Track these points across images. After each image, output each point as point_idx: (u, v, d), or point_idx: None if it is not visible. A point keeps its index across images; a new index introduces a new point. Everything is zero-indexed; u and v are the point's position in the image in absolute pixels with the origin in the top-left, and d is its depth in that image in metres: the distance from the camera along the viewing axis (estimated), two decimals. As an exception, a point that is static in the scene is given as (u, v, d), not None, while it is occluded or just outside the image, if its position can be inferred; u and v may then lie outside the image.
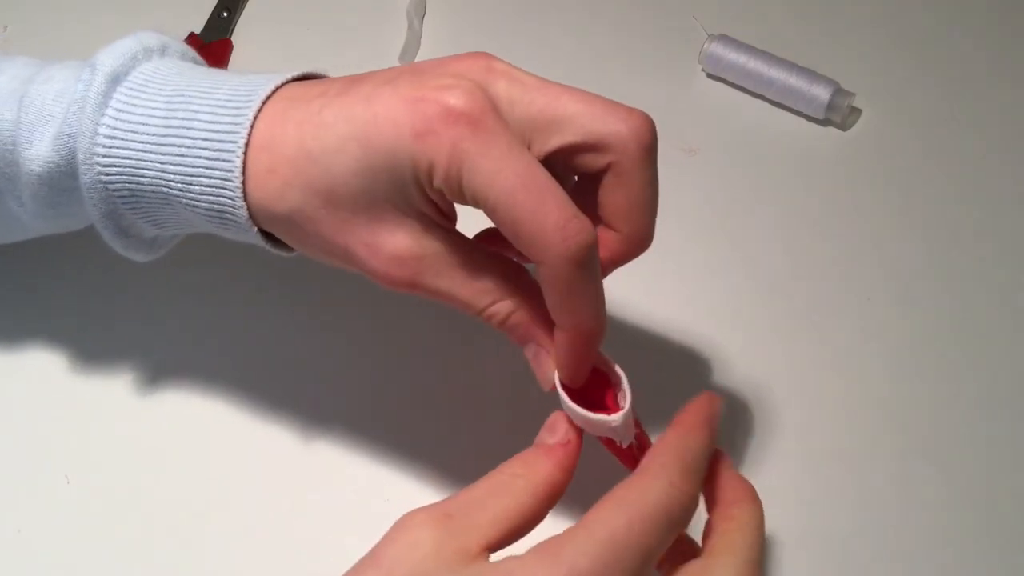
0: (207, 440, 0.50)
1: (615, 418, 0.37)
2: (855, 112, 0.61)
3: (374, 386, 0.51)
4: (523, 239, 0.35)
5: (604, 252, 0.39)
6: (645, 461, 0.36)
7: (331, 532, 0.48)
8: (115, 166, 0.41)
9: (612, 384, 0.40)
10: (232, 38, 0.65)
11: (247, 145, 0.39)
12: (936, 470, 0.50)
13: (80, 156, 0.41)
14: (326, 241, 0.39)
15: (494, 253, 0.40)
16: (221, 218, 0.40)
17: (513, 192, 0.35)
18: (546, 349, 0.39)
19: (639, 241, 0.40)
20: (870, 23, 0.66)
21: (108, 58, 0.42)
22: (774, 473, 0.49)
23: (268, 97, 0.40)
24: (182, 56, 0.44)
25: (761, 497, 0.48)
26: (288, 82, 0.40)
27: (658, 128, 0.60)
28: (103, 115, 0.41)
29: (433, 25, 0.66)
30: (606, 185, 0.39)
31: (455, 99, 0.36)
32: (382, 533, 0.47)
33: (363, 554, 0.34)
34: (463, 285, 0.38)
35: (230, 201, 0.39)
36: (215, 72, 0.42)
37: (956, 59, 0.64)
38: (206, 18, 0.66)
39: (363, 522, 0.48)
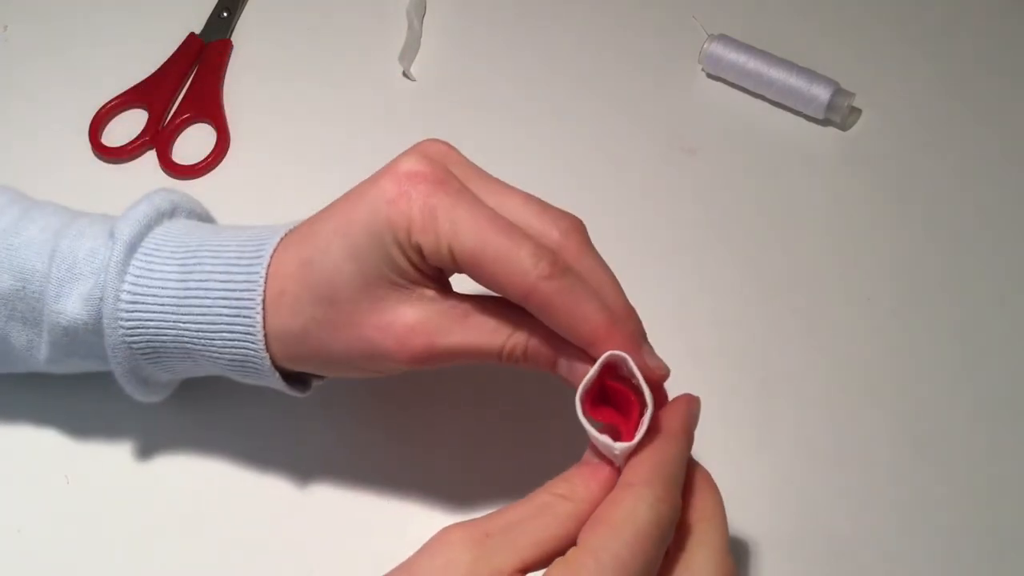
0: (208, 440, 0.50)
1: (618, 446, 0.37)
2: (855, 112, 0.61)
3: (377, 387, 0.51)
4: (501, 274, 0.38)
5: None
6: (629, 475, 0.36)
7: (333, 532, 0.48)
8: (138, 328, 0.44)
9: (640, 411, 0.38)
10: (232, 38, 0.65)
11: (264, 300, 0.42)
12: (936, 470, 0.50)
13: (105, 320, 0.43)
14: (344, 340, 0.41)
15: (488, 297, 0.40)
16: (243, 366, 0.43)
17: (486, 233, 0.38)
18: (576, 357, 0.39)
19: (621, 315, 0.40)
20: (870, 23, 0.66)
21: (125, 227, 0.44)
22: (773, 473, 0.49)
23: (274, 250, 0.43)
24: (189, 214, 0.47)
25: (760, 497, 0.49)
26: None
27: (658, 128, 0.61)
28: (123, 282, 0.43)
29: (433, 25, 0.66)
30: None
31: (414, 165, 0.39)
32: (385, 533, 0.47)
33: (375, 556, 0.34)
34: (476, 332, 0.40)
35: (253, 353, 0.43)
36: (221, 229, 0.46)
37: (956, 59, 0.64)
38: (206, 18, 0.66)
39: (363, 522, 0.48)
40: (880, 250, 0.57)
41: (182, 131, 0.62)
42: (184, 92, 0.63)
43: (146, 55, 0.64)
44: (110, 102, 0.62)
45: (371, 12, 0.66)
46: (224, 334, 0.43)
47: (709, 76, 0.63)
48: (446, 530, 0.34)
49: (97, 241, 0.44)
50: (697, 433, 0.51)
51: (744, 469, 0.49)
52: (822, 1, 0.67)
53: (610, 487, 0.36)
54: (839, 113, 0.60)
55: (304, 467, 0.49)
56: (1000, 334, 0.54)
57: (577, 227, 0.40)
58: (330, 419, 0.50)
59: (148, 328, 0.43)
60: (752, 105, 0.62)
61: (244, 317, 0.42)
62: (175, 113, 0.62)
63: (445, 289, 0.41)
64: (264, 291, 0.42)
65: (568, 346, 0.39)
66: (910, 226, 0.57)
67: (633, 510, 0.34)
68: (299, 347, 0.42)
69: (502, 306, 0.40)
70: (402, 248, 0.39)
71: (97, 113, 0.61)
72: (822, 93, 0.60)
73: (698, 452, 0.50)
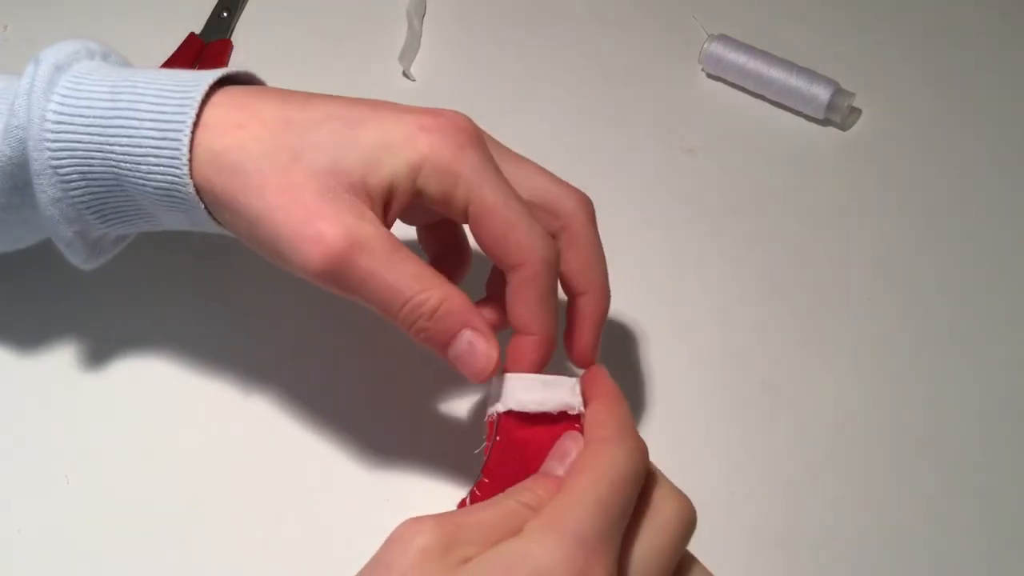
0: (207, 440, 0.50)
1: (577, 403, 0.40)
2: (855, 112, 0.61)
3: (387, 387, 0.51)
4: (512, 240, 0.39)
5: (577, 316, 0.43)
6: (597, 430, 0.38)
7: (332, 530, 0.47)
8: (65, 150, 0.42)
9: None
10: (232, 38, 0.65)
11: (195, 125, 0.40)
12: (935, 470, 0.50)
13: (30, 143, 0.42)
14: (266, 202, 0.39)
15: (416, 255, 0.40)
16: (169, 196, 0.41)
17: (508, 197, 0.40)
18: (482, 333, 0.40)
19: (599, 293, 0.43)
20: (870, 23, 0.66)
21: (51, 52, 0.43)
22: (773, 473, 0.49)
23: (218, 80, 0.42)
24: (123, 65, 0.46)
25: (760, 497, 0.49)
26: (232, 76, 0.43)
27: (658, 128, 0.61)
28: (50, 101, 0.42)
29: (433, 25, 0.66)
30: (562, 251, 0.43)
31: (458, 117, 0.41)
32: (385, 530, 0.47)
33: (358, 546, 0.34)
34: (395, 270, 0.39)
35: (178, 179, 0.41)
36: (162, 69, 0.44)
37: (956, 59, 0.64)
38: (206, 18, 0.66)
39: (363, 519, 0.48)
40: (880, 250, 0.57)
41: (182, 131, 0.61)
42: (184, 92, 0.63)
43: (146, 55, 0.63)
44: (110, 102, 0.62)
45: (371, 12, 0.66)
46: (150, 158, 0.41)
47: (709, 76, 0.63)
48: (414, 522, 0.34)
49: (11, 80, 0.44)
50: (698, 433, 0.51)
51: (744, 469, 0.49)
52: (822, 1, 0.67)
53: None
54: (839, 113, 0.60)
55: (306, 466, 0.49)
56: (1000, 334, 0.54)
57: (589, 203, 0.44)
58: (334, 418, 0.50)
59: (76, 151, 0.42)
60: (752, 105, 0.62)
61: (171, 141, 0.40)
62: (175, 113, 0.62)
63: (386, 226, 0.40)
64: (197, 116, 0.40)
65: (477, 318, 0.40)
66: (910, 226, 0.57)
67: (614, 455, 0.36)
68: (216, 181, 0.40)
69: (427, 267, 0.40)
70: (392, 174, 0.39)
71: (97, 113, 0.61)
72: (822, 93, 0.60)
73: (698, 452, 0.50)
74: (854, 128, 0.61)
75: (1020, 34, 0.65)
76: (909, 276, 0.56)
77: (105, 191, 0.43)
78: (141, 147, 0.41)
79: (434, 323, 0.39)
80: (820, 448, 0.50)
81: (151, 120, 0.41)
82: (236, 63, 0.64)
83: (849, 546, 0.47)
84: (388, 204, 0.40)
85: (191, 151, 0.40)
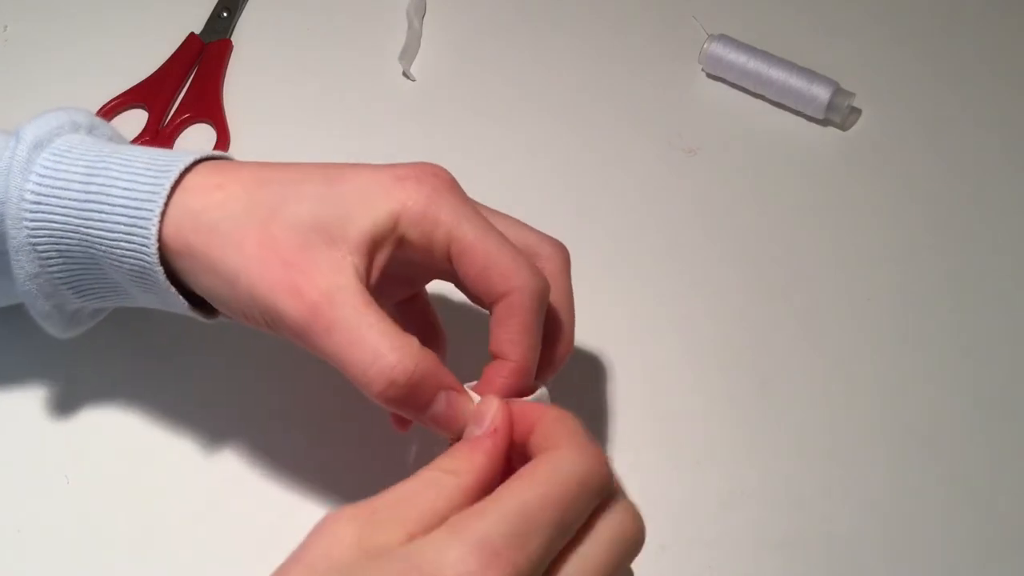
0: (207, 440, 0.50)
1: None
2: (855, 112, 0.61)
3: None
4: (496, 271, 0.39)
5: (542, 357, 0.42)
6: (544, 442, 0.35)
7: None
8: (42, 229, 0.43)
9: None
10: (232, 38, 0.66)
11: (163, 214, 0.41)
12: (936, 469, 0.50)
13: (9, 221, 0.43)
14: (245, 257, 0.39)
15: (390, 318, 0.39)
16: (142, 279, 0.42)
17: (488, 232, 0.40)
18: (457, 390, 0.39)
19: (570, 333, 0.43)
20: (870, 22, 0.66)
21: (32, 128, 0.43)
22: (773, 473, 0.49)
23: (188, 168, 0.42)
24: (110, 138, 0.46)
25: (760, 497, 0.49)
26: (208, 158, 0.43)
27: (658, 128, 0.61)
28: (27, 181, 0.42)
29: (433, 25, 0.66)
30: None
31: (438, 168, 0.41)
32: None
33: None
34: (364, 321, 0.38)
35: (148, 266, 0.41)
36: (140, 146, 0.44)
37: (956, 59, 0.64)
38: (206, 18, 0.66)
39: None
40: (880, 250, 0.57)
41: (182, 131, 0.62)
42: (184, 92, 0.63)
43: (146, 55, 0.64)
44: (110, 102, 0.62)
45: (371, 12, 0.66)
46: (122, 243, 0.42)
47: (709, 76, 0.63)
48: (336, 511, 0.34)
49: None
50: (697, 433, 0.51)
51: (744, 469, 0.49)
52: (822, 1, 0.67)
53: (495, 454, 0.36)
54: (839, 113, 0.60)
55: (308, 469, 0.49)
56: (1000, 334, 0.54)
57: (565, 251, 0.44)
58: (336, 427, 0.50)
59: (53, 230, 0.42)
60: (752, 105, 0.62)
61: (140, 228, 0.41)
62: (175, 113, 0.62)
63: (372, 279, 0.40)
64: (164, 210, 0.41)
65: (449, 375, 0.39)
66: (910, 226, 0.57)
67: (559, 463, 0.33)
68: (196, 237, 0.41)
69: (398, 328, 0.39)
70: (374, 227, 0.39)
71: (97, 113, 0.61)
72: (822, 93, 0.60)
73: (698, 452, 0.50)
74: (854, 128, 0.61)
75: (1020, 33, 0.65)
76: (909, 276, 0.56)
77: (82, 269, 0.44)
78: (113, 232, 0.42)
79: (410, 389, 0.38)
80: (820, 448, 0.50)
81: (122, 207, 0.41)
82: (236, 63, 0.64)
83: (849, 546, 0.48)
84: (372, 256, 0.40)
85: (162, 220, 0.41)
